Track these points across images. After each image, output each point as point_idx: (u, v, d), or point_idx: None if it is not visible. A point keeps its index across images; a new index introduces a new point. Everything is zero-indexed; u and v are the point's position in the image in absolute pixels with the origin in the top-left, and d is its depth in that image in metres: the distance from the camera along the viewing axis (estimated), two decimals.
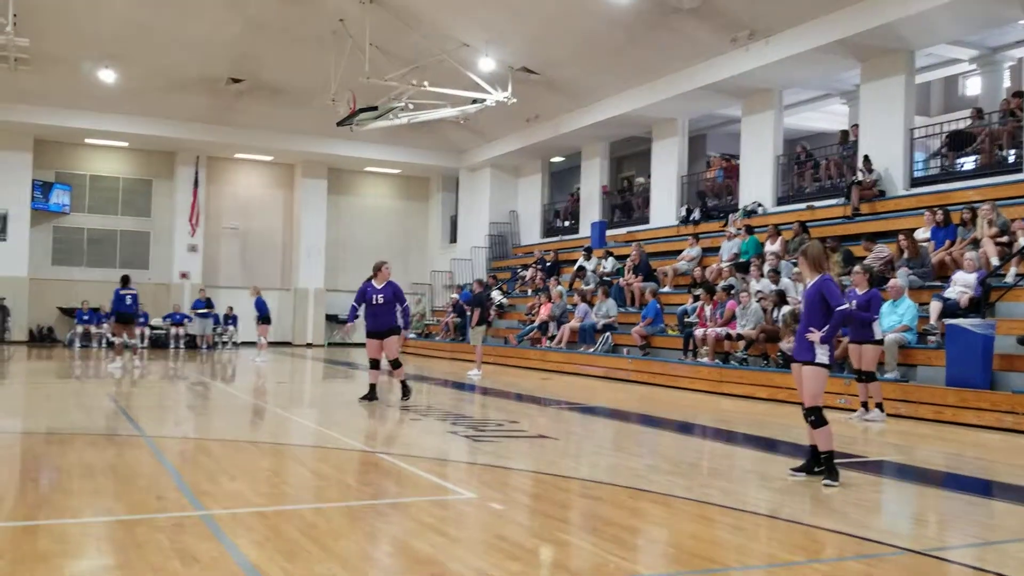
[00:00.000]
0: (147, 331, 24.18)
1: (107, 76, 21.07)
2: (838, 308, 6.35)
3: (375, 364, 11.33)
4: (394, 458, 7.29)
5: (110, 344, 23.58)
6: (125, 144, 25.89)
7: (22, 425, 9.33)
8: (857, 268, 10.74)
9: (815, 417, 6.37)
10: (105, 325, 23.86)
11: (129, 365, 16.98)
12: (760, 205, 17.95)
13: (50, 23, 17.75)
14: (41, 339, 24.83)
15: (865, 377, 10.33)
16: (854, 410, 10.64)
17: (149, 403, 11.56)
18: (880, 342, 10.57)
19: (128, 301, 16.82)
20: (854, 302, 10.11)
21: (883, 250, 13.45)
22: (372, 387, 11.28)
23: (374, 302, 11.11)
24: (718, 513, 5.43)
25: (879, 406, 10.31)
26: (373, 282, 11.23)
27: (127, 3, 17.92)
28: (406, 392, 11.39)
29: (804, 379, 6.45)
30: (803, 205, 16.95)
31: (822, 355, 6.40)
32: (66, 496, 5.62)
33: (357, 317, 11.49)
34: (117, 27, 18.87)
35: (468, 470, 7.01)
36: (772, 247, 15.57)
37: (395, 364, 11.40)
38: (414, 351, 24.21)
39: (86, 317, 24.11)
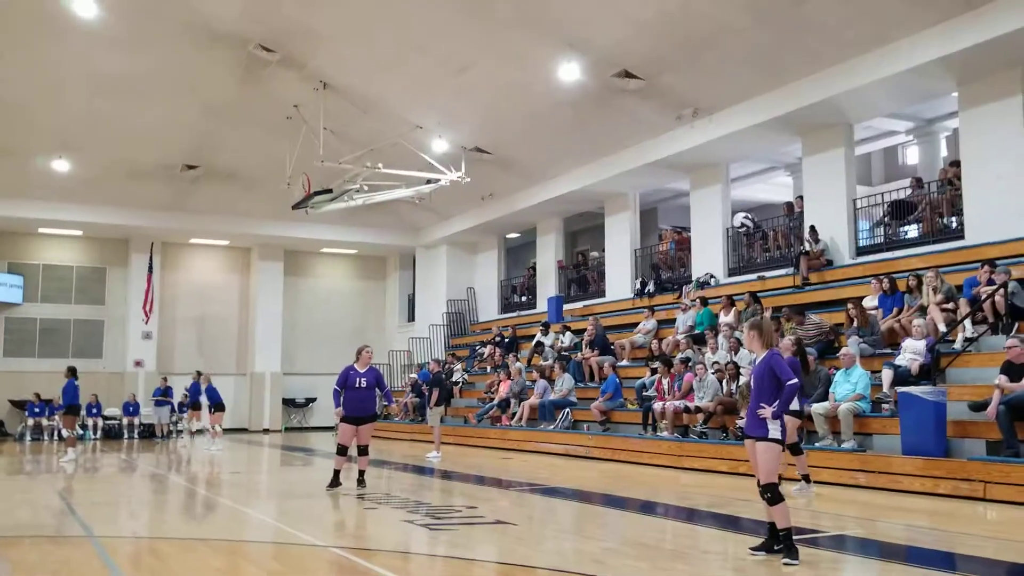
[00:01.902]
0: (100, 422, 23.70)
1: (61, 166, 21.05)
2: (789, 383, 6.41)
3: (343, 451, 11.16)
4: (349, 553, 7.13)
5: (62, 436, 23.00)
6: (79, 233, 25.72)
7: None
8: (786, 339, 10.55)
9: (771, 494, 6.37)
10: (57, 417, 23.30)
11: (80, 458, 16.52)
12: (712, 276, 18.23)
13: (2, 115, 17.74)
14: None
15: (791, 449, 10.07)
16: (813, 482, 10.65)
17: (99, 499, 11.21)
18: (800, 413, 10.29)
19: (79, 392, 16.62)
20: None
21: (822, 323, 13.73)
22: (336, 473, 11.09)
23: (357, 386, 11.04)
24: None
25: (805, 477, 10.25)
26: (356, 366, 11.16)
27: (82, 94, 18.00)
28: (362, 481, 11.21)
29: (758, 455, 6.47)
30: (753, 276, 17.25)
31: (774, 430, 6.44)
32: None
33: (339, 403, 11.24)
34: (71, 118, 18.92)
35: (425, 563, 6.88)
36: (726, 318, 15.76)
37: (363, 451, 11.25)
38: (374, 433, 23.80)
39: (37, 410, 23.50)
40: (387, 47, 15.97)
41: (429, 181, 18.88)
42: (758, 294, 15.62)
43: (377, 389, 11.25)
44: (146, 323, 25.93)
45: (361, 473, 11.25)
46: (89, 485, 12.93)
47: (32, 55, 16.31)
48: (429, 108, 18.14)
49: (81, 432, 18.43)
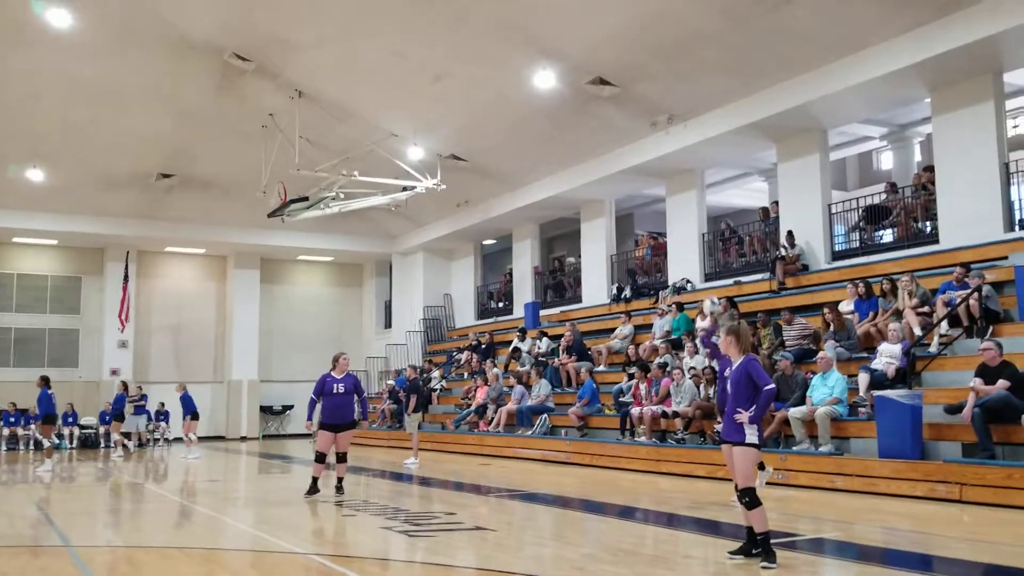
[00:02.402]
0: (76, 431, 23.48)
1: (35, 175, 20.84)
2: (767, 387, 6.46)
3: (321, 458, 11.10)
4: (327, 560, 7.10)
5: (38, 445, 22.72)
6: (54, 242, 25.48)
7: None
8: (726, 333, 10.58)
9: (748, 498, 6.41)
10: (33, 427, 23.04)
11: (56, 467, 16.34)
12: (689, 282, 18.32)
13: None
14: None
15: None
16: (790, 485, 10.73)
17: (75, 508, 11.10)
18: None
19: (50, 402, 16.67)
20: (728, 369, 10.06)
21: (806, 325, 13.82)
22: (315, 480, 11.05)
23: (334, 392, 11.01)
24: None
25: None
26: (333, 373, 11.14)
27: (56, 103, 17.83)
28: (340, 488, 11.16)
29: (735, 460, 6.51)
30: (730, 281, 17.36)
31: (751, 435, 6.48)
32: None
33: (312, 415, 11.29)
34: (46, 127, 18.75)
35: (404, 569, 6.87)
36: (702, 323, 15.83)
37: (341, 458, 11.22)
38: (351, 440, 23.73)
39: (12, 419, 23.20)
40: (362, 56, 15.96)
41: (405, 188, 18.86)
42: (734, 299, 15.71)
43: (356, 396, 11.21)
44: (122, 331, 25.69)
45: (339, 480, 11.22)
46: (66, 495, 12.78)
47: (5, 64, 16.15)
48: (404, 116, 18.13)
49: (57, 441, 18.28)
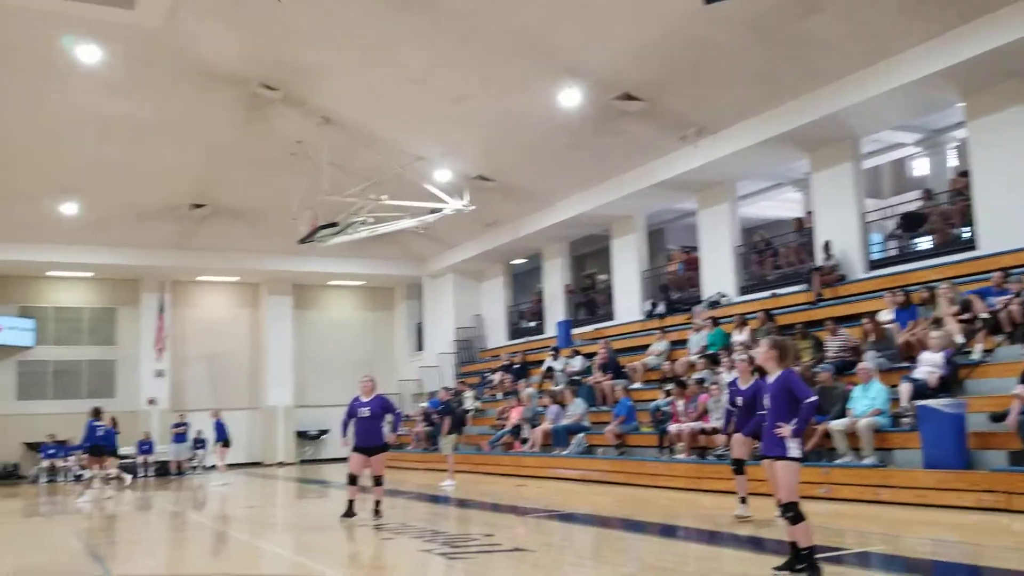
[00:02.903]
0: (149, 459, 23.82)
1: (69, 209, 21.16)
2: (808, 400, 6.33)
3: (353, 480, 11.09)
4: None
5: (77, 478, 22.95)
6: (89, 274, 25.83)
7: None
8: (741, 357, 10.02)
9: (793, 513, 6.27)
10: (72, 458, 23.35)
11: (100, 497, 16.44)
12: (724, 296, 18.13)
13: (11, 160, 17.88)
14: (6, 476, 24.06)
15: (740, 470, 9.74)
16: (832, 499, 10.51)
17: (116, 539, 11.15)
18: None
19: (100, 433, 16.87)
20: (739, 398, 9.70)
21: (849, 337, 13.61)
22: (350, 503, 11.00)
23: (359, 415, 11.01)
24: None
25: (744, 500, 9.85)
26: (360, 396, 11.15)
27: (88, 139, 18.09)
28: (378, 512, 11.10)
29: (778, 475, 6.38)
30: (767, 293, 17.15)
31: (794, 449, 6.35)
32: None
33: (346, 433, 11.21)
34: (78, 161, 19.02)
35: None
36: (739, 337, 15.65)
37: (377, 481, 11.14)
38: (387, 463, 23.70)
39: (52, 451, 23.50)
40: (387, 80, 16.04)
41: (433, 211, 18.91)
42: (771, 311, 15.52)
43: (390, 415, 11.19)
44: (158, 361, 25.92)
45: (376, 503, 11.14)
46: (106, 524, 12.85)
47: (38, 101, 16.41)
48: (431, 138, 18.20)
49: (110, 473, 18.18)
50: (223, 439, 19.68)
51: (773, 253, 18.11)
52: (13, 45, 14.64)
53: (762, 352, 6.68)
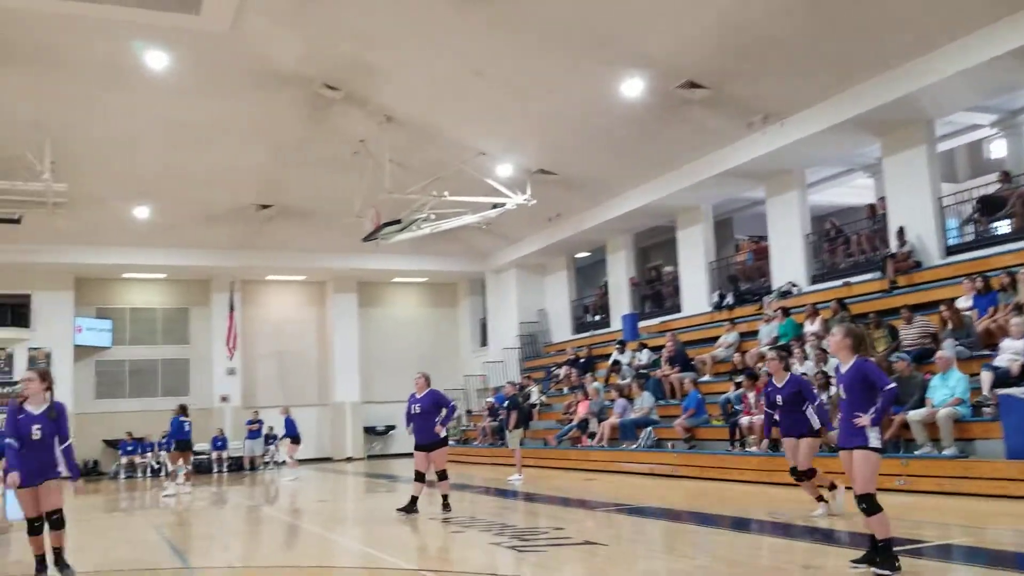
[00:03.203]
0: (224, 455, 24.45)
1: (141, 212, 21.75)
2: (888, 387, 6.14)
3: (420, 477, 11.21)
4: (437, 575, 7.05)
5: (156, 473, 23.64)
6: (162, 276, 26.52)
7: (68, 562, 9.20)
8: (771, 354, 9.65)
9: (867, 504, 6.08)
10: (150, 454, 24.10)
11: (182, 492, 16.88)
12: (795, 285, 17.75)
13: (86, 167, 18.40)
14: (87, 473, 24.86)
15: (802, 476, 9.27)
16: (911, 490, 10.19)
17: (193, 532, 11.41)
18: (818, 432, 9.31)
19: (187, 428, 17.63)
20: (778, 396, 9.39)
21: (927, 324, 13.18)
22: (413, 499, 11.10)
23: (412, 412, 11.19)
24: None
25: (821, 498, 9.29)
26: (415, 393, 11.28)
27: (158, 144, 18.55)
28: (446, 505, 11.15)
29: (856, 465, 6.19)
30: (839, 282, 16.72)
31: (874, 439, 6.17)
32: None
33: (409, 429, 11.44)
34: (149, 166, 19.52)
35: None
36: (812, 327, 15.30)
37: (441, 476, 11.20)
38: (453, 458, 23.82)
39: (130, 448, 24.25)
40: (447, 76, 16.08)
41: (495, 206, 18.91)
42: (844, 300, 15.14)
43: (444, 410, 11.20)
44: (230, 359, 26.50)
45: (444, 498, 11.19)
46: (183, 519, 13.15)
47: (110, 108, 16.85)
48: (492, 133, 18.19)
49: (188, 468, 18.69)
50: (293, 435, 20.04)
51: (845, 241, 17.66)
52: (86, 54, 15.06)
53: (835, 340, 6.51)
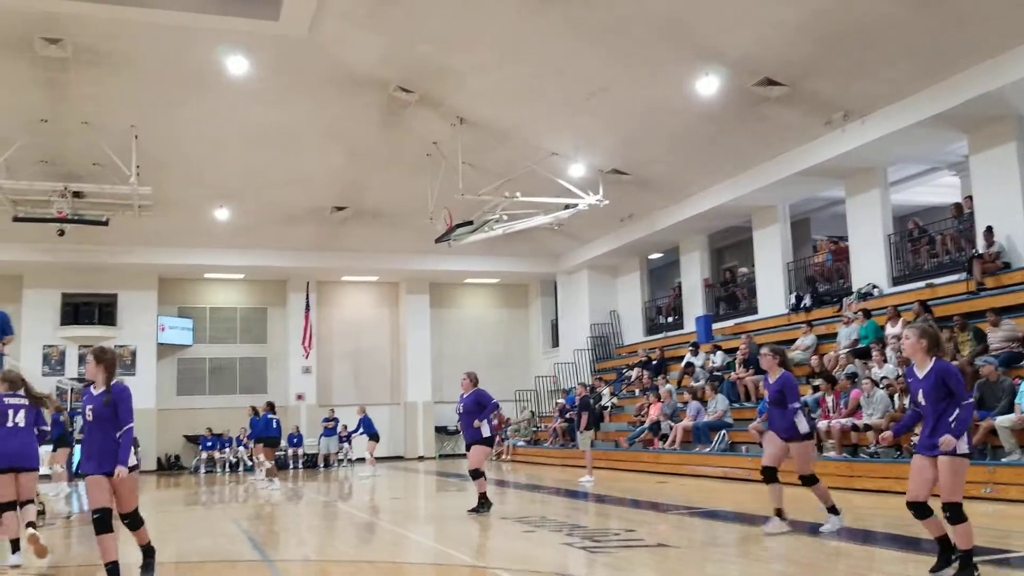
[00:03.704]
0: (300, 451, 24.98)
1: (221, 214, 22.35)
2: (966, 403, 5.93)
3: (473, 474, 11.38)
4: (509, 573, 7.04)
5: (233, 467, 24.25)
6: (241, 276, 27.22)
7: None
8: (764, 350, 9.06)
9: (952, 513, 5.85)
10: (228, 450, 24.77)
11: (271, 488, 17.29)
12: (875, 287, 17.27)
13: (169, 170, 19.00)
14: (169, 467, 25.69)
15: (806, 482, 8.63)
16: (998, 499, 9.79)
17: (271, 526, 11.64)
18: (809, 436, 8.68)
19: (275, 425, 18.25)
20: (767, 392, 8.90)
21: (1014, 328, 12.67)
22: (479, 496, 11.18)
23: (457, 412, 11.58)
24: None
25: (832, 510, 8.66)
26: (463, 393, 11.51)
27: (238, 148, 19.06)
28: (481, 505, 11.12)
29: (942, 472, 5.95)
30: (922, 283, 16.21)
31: (963, 444, 5.94)
32: None
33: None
34: (230, 169, 20.07)
35: None
36: (893, 329, 14.85)
37: (474, 474, 11.29)
38: (523, 459, 23.93)
39: (210, 443, 24.94)
40: (521, 77, 16.11)
41: (567, 206, 18.86)
42: (928, 302, 14.66)
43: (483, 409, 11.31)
44: (306, 358, 27.03)
45: (479, 496, 11.23)
46: (261, 513, 13.44)
47: (193, 112, 17.38)
48: (564, 133, 18.16)
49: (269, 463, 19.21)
50: (372, 433, 20.36)
51: (929, 241, 17.10)
52: (170, 60, 15.56)
53: (909, 343, 6.24)
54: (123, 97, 16.42)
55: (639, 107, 16.66)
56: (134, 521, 6.82)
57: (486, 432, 11.29)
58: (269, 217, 22.95)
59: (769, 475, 8.69)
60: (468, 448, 11.45)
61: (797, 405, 8.56)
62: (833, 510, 8.65)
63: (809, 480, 8.60)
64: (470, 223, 18.77)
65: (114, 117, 16.71)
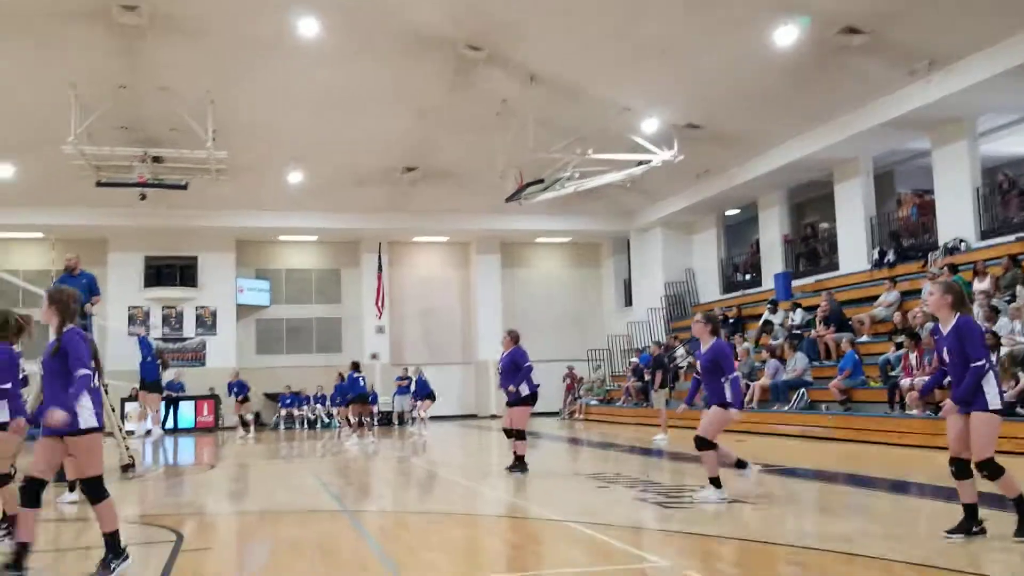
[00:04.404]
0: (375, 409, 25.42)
1: (295, 177, 22.66)
2: (975, 364, 5.76)
3: (509, 433, 11.16)
4: (584, 527, 7.03)
5: (311, 424, 24.88)
6: (314, 238, 27.66)
7: (238, 505, 9.87)
8: (697, 317, 8.47)
9: (988, 470, 5.76)
10: (306, 407, 25.40)
11: (363, 442, 17.69)
12: (962, 241, 16.62)
13: (245, 135, 19.26)
14: (247, 424, 26.39)
15: (701, 446, 8.15)
16: None
17: (349, 480, 11.89)
18: (731, 405, 8.08)
19: (361, 383, 18.70)
20: (699, 361, 8.44)
21: None
22: (515, 456, 11.00)
23: (498, 371, 11.35)
24: None
25: (739, 463, 8.46)
26: (504, 352, 11.30)
27: (309, 111, 19.19)
28: (517, 466, 10.91)
29: (973, 429, 5.80)
30: (1012, 237, 15.53)
31: (993, 399, 5.78)
32: (278, 571, 5.87)
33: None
34: (303, 133, 20.25)
35: (661, 538, 6.67)
36: (981, 285, 14.31)
37: (517, 435, 11.02)
38: (597, 418, 23.92)
39: (288, 401, 25.57)
40: (591, 32, 15.79)
41: (640, 163, 18.56)
42: (1018, 257, 14.05)
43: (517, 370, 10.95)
44: (379, 318, 27.41)
45: (517, 458, 10.97)
46: (338, 467, 13.74)
47: (266, 76, 17.53)
48: (637, 88, 17.79)
49: (365, 419, 19.60)
50: (425, 393, 20.71)
51: (1019, 193, 16.35)
52: (242, 25, 15.67)
53: (934, 299, 6.09)
54: (198, 63, 16.65)
55: (714, 59, 16.20)
56: (92, 492, 5.41)
57: (525, 392, 10.96)
58: (341, 179, 23.18)
59: (701, 443, 8.19)
60: (509, 406, 11.14)
61: (735, 374, 8.13)
62: (740, 464, 8.46)
63: (703, 444, 8.12)
64: (541, 181, 18.63)
65: (190, 83, 16.97)
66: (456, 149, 21.39)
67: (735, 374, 8.12)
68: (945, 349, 6.01)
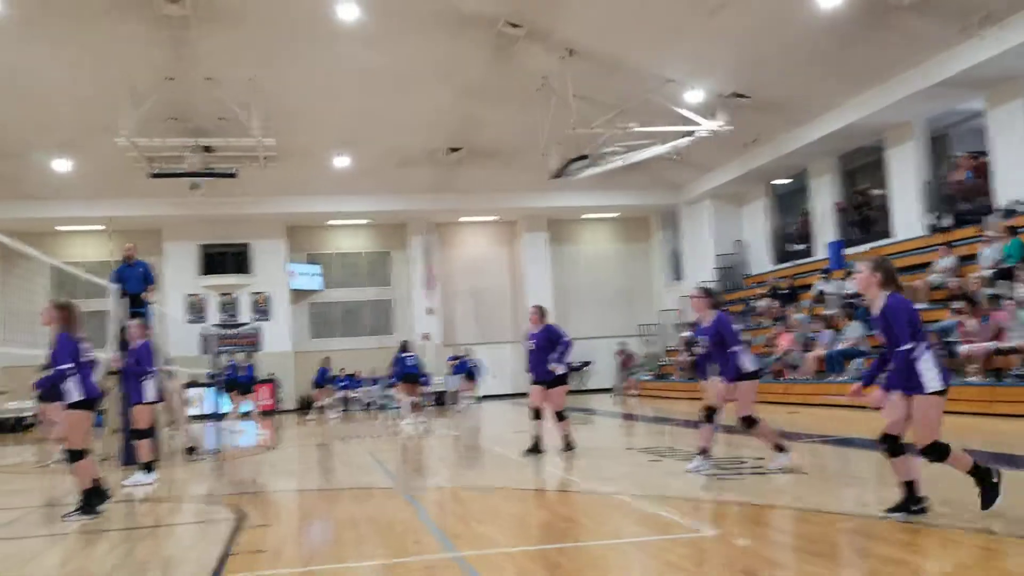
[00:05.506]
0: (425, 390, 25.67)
1: (341, 161, 22.90)
2: (902, 348, 5.43)
3: (536, 414, 10.75)
4: (636, 499, 7.06)
5: (366, 406, 25.24)
6: (363, 221, 27.96)
7: (297, 484, 10.10)
8: (693, 291, 8.38)
9: (936, 453, 5.53)
10: (360, 390, 25.74)
11: (416, 423, 17.87)
12: (1021, 203, 16.15)
13: (291, 121, 19.49)
14: (307, 407, 26.87)
15: (746, 424, 8.08)
16: None
17: (404, 458, 12.07)
18: (756, 375, 8.17)
19: (410, 363, 18.66)
20: (699, 338, 8.25)
21: None
22: (535, 440, 10.61)
23: (529, 348, 10.78)
24: (1011, 545, 4.75)
25: (779, 448, 8.20)
26: (531, 329, 10.83)
27: (354, 94, 19.35)
28: (568, 446, 10.59)
29: (917, 412, 5.53)
30: None
31: (935, 382, 5.47)
32: (335, 546, 6.04)
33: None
34: (347, 117, 20.43)
35: (712, 508, 6.67)
36: None
37: (559, 416, 10.70)
38: (650, 393, 23.84)
39: (343, 383, 25.93)
40: (630, 2, 15.62)
41: (686, 135, 18.36)
42: None
43: (559, 347, 10.54)
44: (428, 299, 27.62)
45: (564, 439, 10.63)
46: (393, 446, 13.94)
47: (308, 61, 17.71)
48: (679, 59, 17.58)
49: (417, 400, 19.78)
50: (466, 372, 20.91)
51: None
52: (283, 12, 15.85)
53: (862, 277, 5.69)
54: (242, 51, 16.89)
55: (758, 25, 15.93)
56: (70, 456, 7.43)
57: (560, 371, 10.57)
58: (386, 162, 23.34)
59: (708, 414, 8.24)
60: (544, 385, 10.60)
61: (739, 347, 8.03)
62: (779, 448, 8.16)
63: (748, 422, 8.05)
64: (585, 157, 18.55)
65: (235, 71, 17.22)
66: (499, 128, 21.38)
67: (737, 346, 8.04)
68: (878, 328, 5.69)
